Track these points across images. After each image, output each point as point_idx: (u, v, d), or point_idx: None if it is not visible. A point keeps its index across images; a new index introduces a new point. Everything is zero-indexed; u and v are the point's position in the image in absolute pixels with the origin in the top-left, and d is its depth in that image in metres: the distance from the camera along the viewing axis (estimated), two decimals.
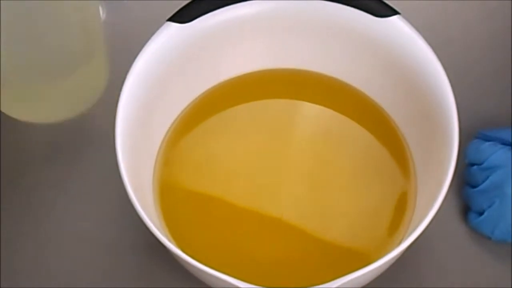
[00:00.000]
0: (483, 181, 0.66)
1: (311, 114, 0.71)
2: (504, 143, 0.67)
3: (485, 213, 0.65)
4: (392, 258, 0.55)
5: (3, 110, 0.72)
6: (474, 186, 0.67)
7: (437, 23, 0.79)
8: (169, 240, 0.60)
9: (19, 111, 0.73)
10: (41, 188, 0.71)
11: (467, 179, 0.69)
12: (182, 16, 0.64)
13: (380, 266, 0.54)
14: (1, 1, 0.59)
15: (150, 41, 0.63)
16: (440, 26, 0.79)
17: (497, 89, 0.76)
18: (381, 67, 0.67)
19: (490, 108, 0.74)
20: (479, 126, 0.71)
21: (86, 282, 0.66)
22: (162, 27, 0.63)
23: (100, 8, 0.78)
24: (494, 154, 0.66)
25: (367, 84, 0.70)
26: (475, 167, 0.67)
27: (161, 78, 0.64)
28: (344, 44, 0.68)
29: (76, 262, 0.67)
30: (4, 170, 0.71)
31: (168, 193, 0.66)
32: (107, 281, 0.66)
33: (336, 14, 0.65)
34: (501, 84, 0.76)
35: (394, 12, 0.64)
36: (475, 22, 0.80)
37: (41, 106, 0.73)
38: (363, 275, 0.53)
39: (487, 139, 0.68)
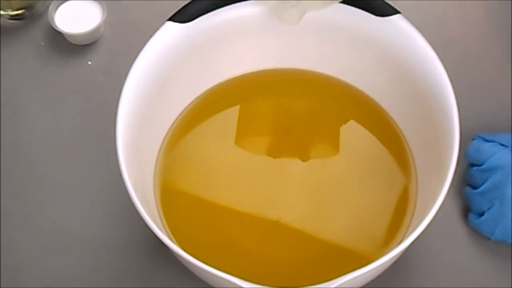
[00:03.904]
0: (483, 183, 0.66)
1: (312, 114, 0.71)
2: (504, 144, 0.67)
3: (485, 215, 0.65)
4: (392, 258, 0.55)
5: None
6: (474, 187, 0.67)
7: (437, 23, 0.79)
8: (171, 240, 0.60)
9: None
10: (42, 188, 0.71)
11: (467, 180, 0.69)
12: (182, 16, 0.64)
13: (379, 266, 0.54)
14: None
15: (150, 41, 0.63)
16: (440, 26, 0.79)
17: (497, 89, 0.75)
18: (381, 66, 0.67)
19: (490, 108, 0.74)
20: (479, 126, 0.71)
21: (87, 281, 0.66)
22: (162, 27, 0.63)
23: (101, 8, 0.78)
24: (494, 155, 0.66)
25: (367, 83, 0.70)
26: (475, 168, 0.67)
27: (162, 77, 0.64)
28: (345, 43, 0.68)
29: (76, 262, 0.67)
30: (4, 170, 0.71)
31: (169, 192, 0.66)
32: (108, 281, 0.66)
33: (336, 14, 0.65)
34: (501, 84, 0.76)
35: (394, 11, 0.64)
36: (475, 22, 0.80)
37: None
38: (363, 274, 0.53)
39: (485, 140, 0.68)
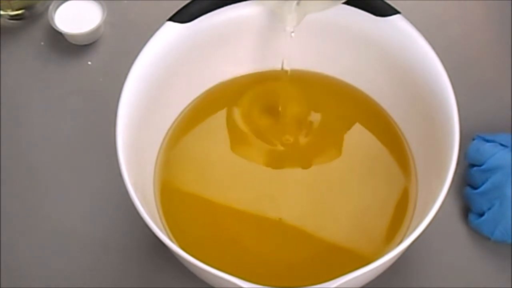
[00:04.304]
0: (483, 183, 0.66)
1: (312, 114, 0.71)
2: (504, 145, 0.67)
3: (485, 215, 0.65)
4: (392, 258, 0.55)
5: None
6: (474, 187, 0.67)
7: (437, 23, 0.79)
8: (171, 240, 0.60)
9: None
10: (41, 188, 0.71)
11: (467, 180, 0.69)
12: (182, 16, 0.64)
13: (379, 266, 0.54)
14: None
15: (150, 41, 0.63)
16: (440, 26, 0.79)
17: (497, 89, 0.75)
18: (381, 66, 0.67)
19: (490, 108, 0.74)
20: (479, 126, 0.71)
21: (87, 281, 0.66)
22: (162, 27, 0.63)
23: (101, 8, 0.78)
24: (494, 155, 0.66)
25: (368, 83, 0.70)
26: (475, 168, 0.67)
27: (162, 77, 0.64)
28: (345, 43, 0.68)
29: (76, 262, 0.67)
30: (4, 170, 0.71)
31: (169, 192, 0.66)
32: (108, 281, 0.66)
33: (337, 14, 0.65)
34: (501, 84, 0.76)
35: (394, 12, 0.64)
36: (475, 22, 0.80)
37: None
38: (363, 274, 0.53)
39: (485, 140, 0.68)
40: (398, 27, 0.64)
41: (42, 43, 0.78)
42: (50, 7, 0.77)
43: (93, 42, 0.78)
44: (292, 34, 0.65)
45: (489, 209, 0.65)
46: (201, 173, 0.67)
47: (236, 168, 0.68)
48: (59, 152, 0.73)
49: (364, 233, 0.64)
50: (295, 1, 0.63)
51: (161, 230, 0.55)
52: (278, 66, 0.70)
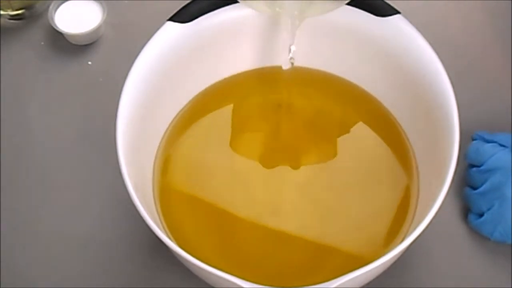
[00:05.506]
0: (483, 183, 0.66)
1: (313, 113, 0.71)
2: (503, 145, 0.67)
3: (485, 215, 0.65)
4: (392, 258, 0.55)
5: None
6: (474, 188, 0.67)
7: (437, 23, 0.79)
8: (170, 239, 0.60)
9: None
10: (41, 188, 0.71)
11: (467, 180, 0.69)
12: (182, 16, 0.64)
13: (379, 266, 0.54)
14: None
15: (150, 41, 0.63)
16: (440, 26, 0.79)
17: (497, 89, 0.75)
18: (381, 66, 0.67)
19: (490, 108, 0.74)
20: (478, 126, 0.71)
21: (87, 282, 0.66)
22: (162, 27, 0.63)
23: (101, 8, 0.78)
24: (494, 156, 0.65)
25: (369, 82, 0.70)
26: (474, 168, 0.67)
27: (161, 77, 0.64)
28: (345, 42, 0.68)
29: (76, 262, 0.67)
30: (4, 170, 0.71)
31: (168, 192, 0.66)
32: (108, 281, 0.66)
33: (337, 14, 0.65)
34: (501, 84, 0.76)
35: (394, 12, 0.64)
36: (475, 22, 0.80)
37: None
38: (363, 274, 0.53)
39: (485, 140, 0.68)
40: (398, 27, 0.64)
41: (42, 43, 0.79)
42: (50, 7, 0.77)
43: (93, 42, 0.78)
44: (293, 38, 0.65)
45: (488, 209, 0.65)
46: (200, 172, 0.67)
47: (235, 167, 0.68)
48: (59, 152, 0.73)
49: (364, 233, 0.64)
50: (296, 6, 0.63)
51: (161, 230, 0.55)
52: (278, 66, 0.70)
